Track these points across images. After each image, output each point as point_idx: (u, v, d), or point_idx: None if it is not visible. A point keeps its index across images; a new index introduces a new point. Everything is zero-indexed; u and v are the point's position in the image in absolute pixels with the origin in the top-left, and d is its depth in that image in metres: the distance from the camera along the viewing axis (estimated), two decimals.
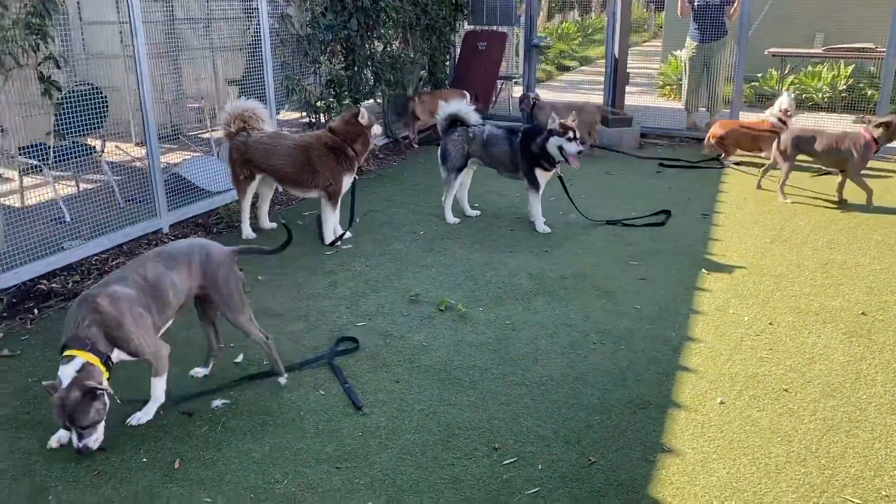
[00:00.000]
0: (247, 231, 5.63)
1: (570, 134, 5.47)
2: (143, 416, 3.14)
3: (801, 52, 11.01)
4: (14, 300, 4.39)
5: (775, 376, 3.55)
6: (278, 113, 7.26)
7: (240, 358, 3.70)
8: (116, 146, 6.72)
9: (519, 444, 3.03)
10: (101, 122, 5.94)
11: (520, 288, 4.61)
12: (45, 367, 3.64)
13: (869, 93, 10.41)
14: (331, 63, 7.45)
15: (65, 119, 5.44)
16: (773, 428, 3.13)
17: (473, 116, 5.95)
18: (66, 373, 2.76)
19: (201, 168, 6.63)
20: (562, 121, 5.51)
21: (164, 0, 6.74)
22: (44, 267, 4.72)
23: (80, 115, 5.47)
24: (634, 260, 5.10)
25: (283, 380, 3.46)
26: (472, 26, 10.33)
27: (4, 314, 4.23)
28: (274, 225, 5.80)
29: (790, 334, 3.99)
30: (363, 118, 5.30)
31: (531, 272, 4.86)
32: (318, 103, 7.32)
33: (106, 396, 2.82)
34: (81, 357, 2.78)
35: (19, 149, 6.04)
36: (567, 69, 18.19)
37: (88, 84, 5.98)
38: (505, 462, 2.91)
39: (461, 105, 6.14)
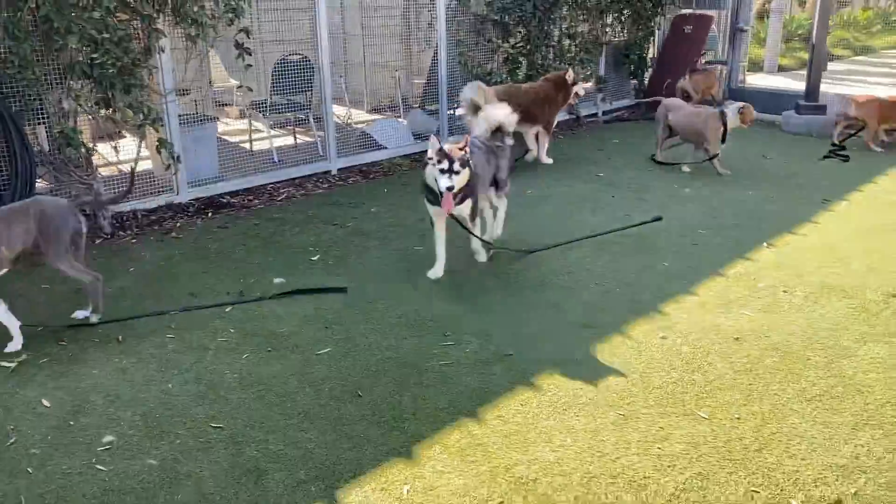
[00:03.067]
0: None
1: (445, 165, 4.15)
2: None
3: None
4: (202, 206, 6.05)
5: None
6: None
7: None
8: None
9: None
10: (310, 85, 7.55)
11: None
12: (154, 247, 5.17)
13: None
14: (507, 42, 8.35)
15: (280, 81, 7.16)
16: None
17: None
18: None
19: (385, 129, 8.00)
20: (438, 148, 4.22)
21: None
22: (231, 186, 6.37)
23: (292, 79, 7.15)
24: None
25: (94, 318, 3.96)
26: (681, 10, 10.46)
27: (192, 213, 5.90)
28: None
29: None
30: (569, 76, 7.23)
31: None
32: (490, 78, 8.26)
33: None
34: None
35: (249, 104, 7.96)
36: (834, 58, 16.85)
37: (300, 54, 7.60)
38: None
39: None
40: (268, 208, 6.11)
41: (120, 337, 3.87)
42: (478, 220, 4.74)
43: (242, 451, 2.93)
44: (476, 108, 6.12)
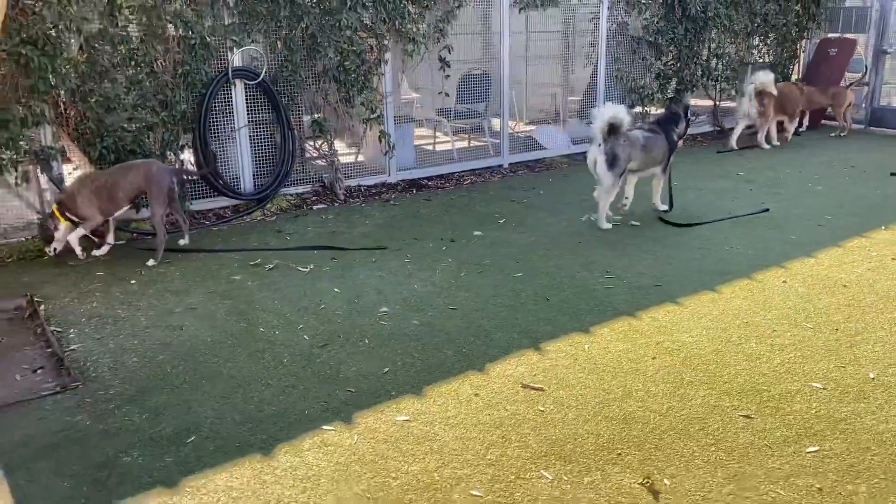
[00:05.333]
0: None
1: None
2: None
3: None
4: (406, 185, 7.64)
5: None
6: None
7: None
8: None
9: None
10: (487, 95, 9.05)
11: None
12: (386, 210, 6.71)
13: None
14: (659, 60, 9.52)
15: (463, 92, 8.70)
16: None
17: (627, 120, 5.95)
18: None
19: (548, 133, 9.38)
20: None
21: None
22: (426, 173, 7.93)
23: (472, 90, 8.67)
24: None
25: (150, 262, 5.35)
26: (827, 34, 11.22)
27: (400, 190, 7.48)
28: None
29: None
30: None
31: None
32: (643, 91, 9.45)
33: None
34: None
35: (436, 111, 9.56)
36: None
37: (481, 70, 9.12)
38: None
39: (617, 109, 5.92)
40: (457, 190, 7.60)
41: (374, 259, 5.42)
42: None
43: (473, 321, 4.33)
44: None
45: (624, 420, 3.29)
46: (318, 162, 7.28)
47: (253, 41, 6.41)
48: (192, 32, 5.96)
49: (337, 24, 6.63)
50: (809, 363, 3.80)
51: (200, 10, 5.97)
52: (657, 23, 9.29)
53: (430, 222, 6.38)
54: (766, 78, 9.06)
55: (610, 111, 5.85)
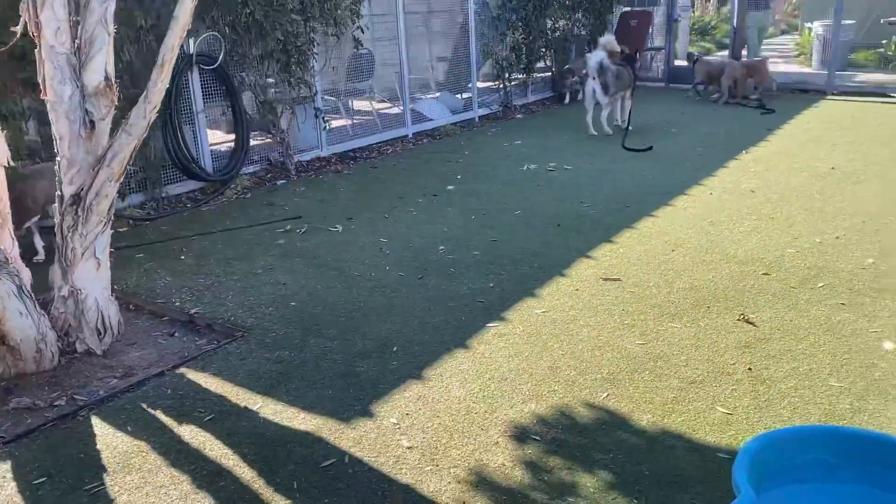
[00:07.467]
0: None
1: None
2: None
3: None
4: (339, 158, 8.19)
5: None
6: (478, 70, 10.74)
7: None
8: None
9: None
10: (371, 73, 9.75)
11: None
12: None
13: None
14: (514, 35, 10.83)
15: (354, 69, 9.33)
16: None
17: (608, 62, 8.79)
18: None
19: (429, 106, 10.29)
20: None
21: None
22: (352, 145, 8.52)
23: (362, 68, 9.33)
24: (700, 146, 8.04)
25: None
26: (626, 8, 13.28)
27: (337, 162, 8.03)
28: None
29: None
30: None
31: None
32: (504, 63, 10.70)
33: None
34: None
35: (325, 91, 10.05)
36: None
37: (367, 49, 9.78)
38: None
39: (603, 55, 8.77)
40: (389, 158, 8.32)
41: (386, 215, 6.07)
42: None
43: (519, 246, 5.23)
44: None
45: (692, 288, 4.43)
46: (267, 141, 7.62)
47: (208, 28, 6.62)
48: (159, 20, 6.08)
49: (282, 8, 7.02)
50: (774, 237, 5.21)
51: None
52: (511, 1, 10.58)
53: (399, 184, 7.08)
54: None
55: (599, 56, 8.59)
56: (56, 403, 3.43)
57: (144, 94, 3.60)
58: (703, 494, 2.67)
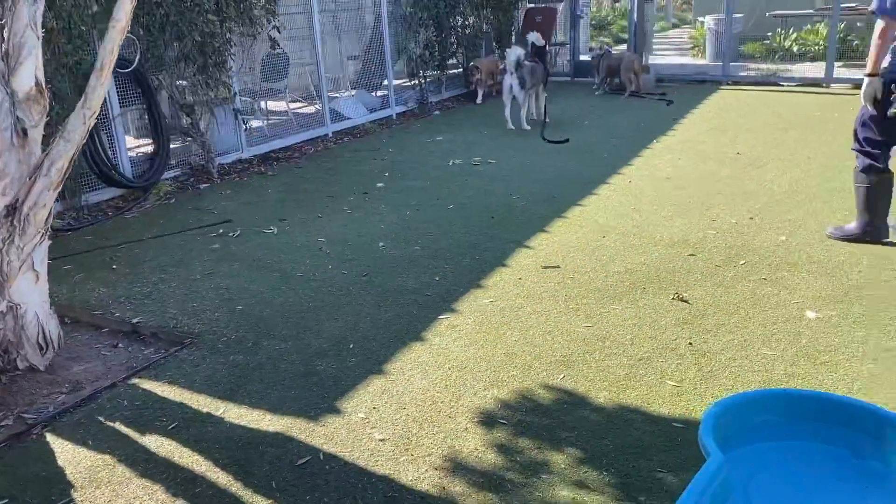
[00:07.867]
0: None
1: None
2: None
3: (795, 12, 13.75)
4: (261, 159, 8.07)
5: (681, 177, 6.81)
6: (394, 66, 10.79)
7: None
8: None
9: None
10: (286, 73, 9.64)
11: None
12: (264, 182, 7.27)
13: (855, 43, 13.09)
14: (426, 32, 10.93)
15: (268, 69, 9.20)
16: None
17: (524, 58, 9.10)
18: None
19: (346, 105, 10.27)
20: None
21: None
22: (273, 146, 8.41)
23: (276, 68, 9.21)
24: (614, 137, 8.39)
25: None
26: (531, 4, 13.62)
27: (257, 164, 7.91)
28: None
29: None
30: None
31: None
32: (418, 60, 10.80)
33: None
34: None
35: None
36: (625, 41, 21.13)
37: (281, 48, 9.66)
38: None
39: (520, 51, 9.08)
40: (312, 158, 8.26)
41: (319, 214, 6.05)
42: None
43: (456, 240, 5.34)
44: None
45: (627, 271, 4.67)
46: (186, 144, 7.43)
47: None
48: (72, 24, 5.86)
49: (197, 9, 6.87)
50: (694, 220, 5.54)
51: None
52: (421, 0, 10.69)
53: (327, 183, 7.07)
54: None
55: (517, 52, 8.91)
56: (3, 423, 3.30)
57: (83, 99, 3.49)
58: (665, 462, 2.86)
